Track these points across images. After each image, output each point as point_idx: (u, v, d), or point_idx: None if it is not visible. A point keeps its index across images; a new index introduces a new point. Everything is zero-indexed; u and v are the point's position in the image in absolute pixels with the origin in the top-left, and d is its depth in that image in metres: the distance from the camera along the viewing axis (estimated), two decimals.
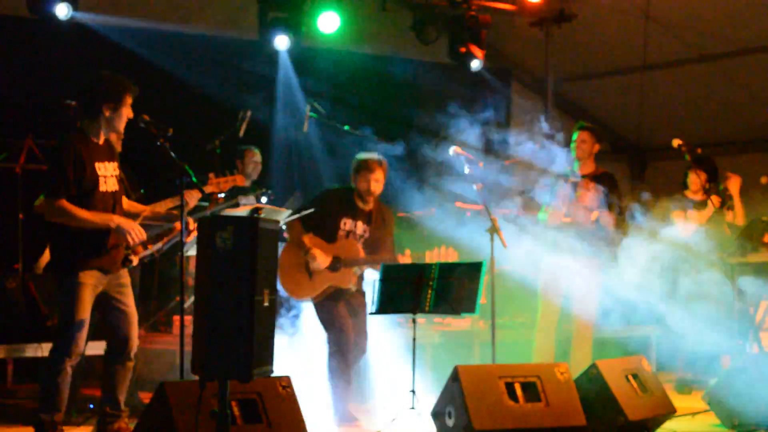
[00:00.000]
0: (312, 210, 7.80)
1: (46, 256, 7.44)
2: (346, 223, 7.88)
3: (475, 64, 11.99)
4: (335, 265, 7.78)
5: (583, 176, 8.73)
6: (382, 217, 8.04)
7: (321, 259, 7.75)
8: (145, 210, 6.69)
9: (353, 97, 11.86)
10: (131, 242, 6.30)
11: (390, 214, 8.17)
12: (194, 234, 6.39)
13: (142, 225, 6.40)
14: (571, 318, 8.70)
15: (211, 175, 7.64)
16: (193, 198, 6.94)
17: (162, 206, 7.10)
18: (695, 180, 9.50)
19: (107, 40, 10.50)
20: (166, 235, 6.97)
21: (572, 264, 8.58)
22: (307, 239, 7.83)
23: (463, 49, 11.60)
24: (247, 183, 9.80)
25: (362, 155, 7.98)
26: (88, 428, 6.89)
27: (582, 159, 8.80)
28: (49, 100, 9.33)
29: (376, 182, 7.89)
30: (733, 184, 9.44)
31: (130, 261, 6.58)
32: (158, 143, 6.40)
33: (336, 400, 7.59)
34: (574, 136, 8.83)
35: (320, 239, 7.85)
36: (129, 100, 6.39)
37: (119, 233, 6.28)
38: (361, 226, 7.94)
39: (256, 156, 9.89)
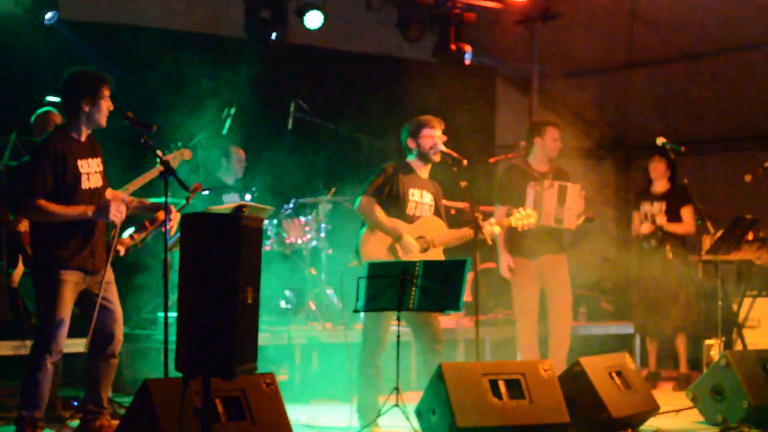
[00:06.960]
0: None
1: (20, 269, 7.43)
2: (414, 194, 7.40)
3: (467, 55, 11.92)
4: (424, 247, 7.34)
5: (544, 173, 8.62)
6: (438, 186, 7.59)
7: (414, 250, 7.24)
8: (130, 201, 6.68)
9: (338, 95, 11.84)
10: (115, 218, 6.25)
11: (437, 183, 7.62)
12: (175, 221, 6.39)
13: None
14: (551, 314, 8.73)
15: (159, 152, 7.42)
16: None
17: (137, 184, 7.05)
18: (656, 167, 9.46)
19: (92, 37, 10.47)
20: (152, 225, 6.94)
21: (546, 262, 8.61)
22: (395, 224, 7.27)
23: (453, 47, 11.62)
24: (231, 181, 9.79)
25: (416, 118, 7.46)
26: (73, 425, 6.88)
27: (555, 158, 8.75)
28: (34, 97, 9.32)
29: (440, 138, 7.37)
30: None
31: (117, 251, 6.56)
32: (142, 140, 6.40)
33: None
34: (550, 134, 8.65)
35: (396, 218, 7.34)
36: (106, 93, 6.37)
37: (100, 214, 6.26)
38: (428, 197, 7.45)
39: (241, 154, 9.88)
